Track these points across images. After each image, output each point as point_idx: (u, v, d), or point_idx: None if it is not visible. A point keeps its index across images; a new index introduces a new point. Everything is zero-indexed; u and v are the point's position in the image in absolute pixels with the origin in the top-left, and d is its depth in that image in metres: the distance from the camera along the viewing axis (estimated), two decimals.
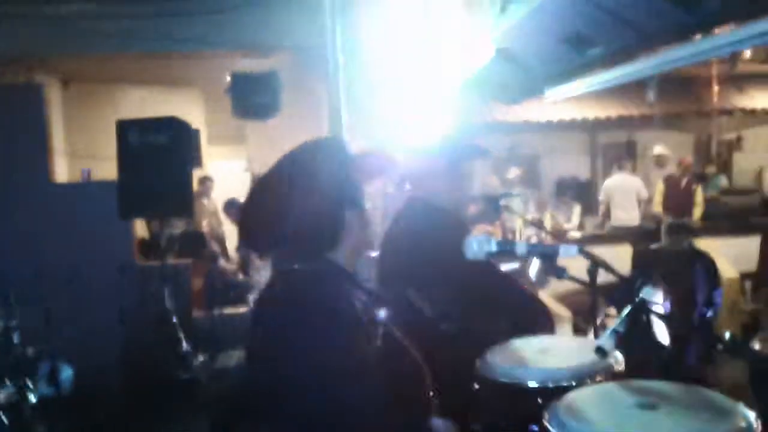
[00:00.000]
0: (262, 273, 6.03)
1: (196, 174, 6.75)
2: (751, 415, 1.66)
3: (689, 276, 5.12)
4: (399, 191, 3.15)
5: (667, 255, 5.55)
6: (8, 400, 4.21)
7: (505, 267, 3.30)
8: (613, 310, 3.45)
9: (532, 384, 2.06)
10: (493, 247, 1.78)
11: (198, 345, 5.70)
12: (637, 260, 5.33)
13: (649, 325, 1.90)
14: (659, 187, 9.50)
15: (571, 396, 1.86)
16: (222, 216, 8.56)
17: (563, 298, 7.18)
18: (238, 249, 7.82)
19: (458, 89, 5.91)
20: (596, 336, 2.35)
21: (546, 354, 2.25)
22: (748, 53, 8.99)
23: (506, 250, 1.80)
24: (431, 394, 1.85)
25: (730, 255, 7.85)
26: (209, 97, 9.01)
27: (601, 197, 9.49)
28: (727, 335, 1.82)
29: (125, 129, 5.38)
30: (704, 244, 8.88)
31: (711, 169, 10.92)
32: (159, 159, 5.21)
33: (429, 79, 6.15)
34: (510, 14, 4.07)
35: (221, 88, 6.32)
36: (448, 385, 1.99)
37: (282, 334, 1.62)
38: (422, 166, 2.82)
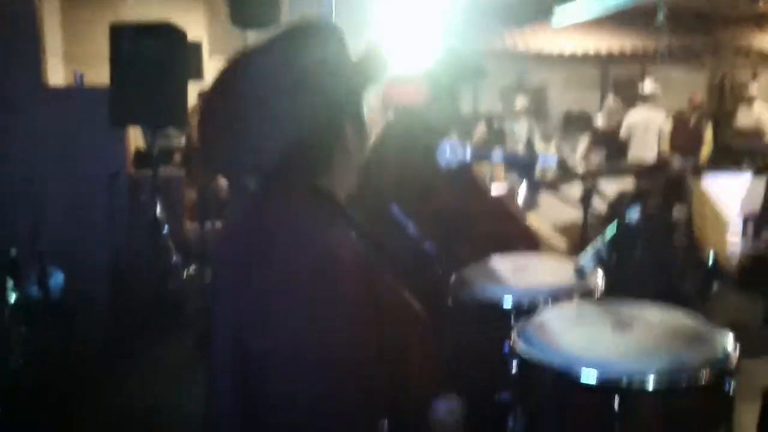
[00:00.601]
0: None
1: (198, 86, 6.58)
2: (730, 342, 1.59)
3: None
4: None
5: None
6: None
7: (495, 191, 3.21)
8: None
9: (507, 302, 1.99)
10: (468, 154, 1.67)
11: (189, 258, 5.67)
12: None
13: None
14: (668, 125, 9.28)
15: (545, 315, 1.79)
16: None
17: (564, 230, 7.13)
18: None
19: (466, 11, 5.70)
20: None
21: (524, 272, 2.18)
22: None
23: (481, 156, 1.70)
24: (432, 364, 1.52)
25: (735, 196, 7.74)
26: (212, 8, 8.77)
27: (623, 133, 8.79)
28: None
29: (119, 33, 5.19)
30: (710, 183, 8.78)
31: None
32: (153, 66, 5.03)
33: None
34: None
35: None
36: (429, 305, 1.92)
37: (248, 289, 1.26)
38: (417, 82, 2.69)
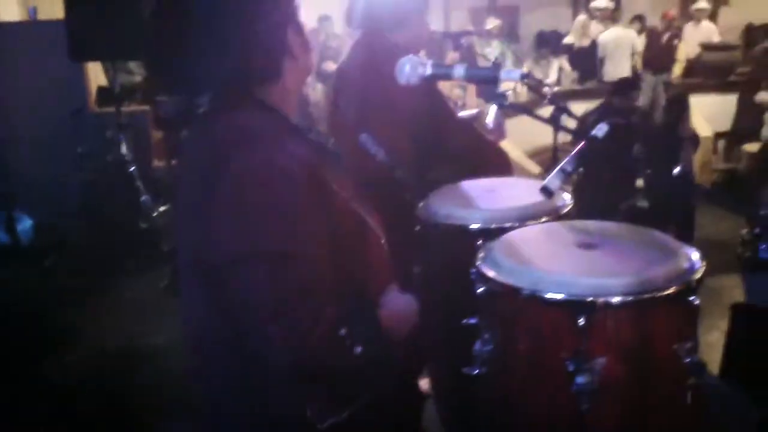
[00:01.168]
0: None
1: None
2: (696, 255, 1.58)
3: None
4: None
5: None
6: None
7: (463, 114, 3.13)
8: None
9: (475, 225, 1.96)
10: (428, 70, 1.60)
11: (159, 195, 5.57)
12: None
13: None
14: (641, 42, 9.20)
15: (510, 235, 1.76)
16: None
17: (537, 154, 7.10)
18: None
19: None
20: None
21: (492, 194, 2.15)
22: None
23: (442, 73, 1.63)
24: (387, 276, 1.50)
25: (707, 113, 7.74)
26: None
27: (600, 53, 9.13)
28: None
29: None
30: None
31: None
32: None
33: None
34: None
35: None
36: (400, 232, 1.88)
37: (196, 209, 1.29)
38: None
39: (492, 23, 8.99)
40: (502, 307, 1.60)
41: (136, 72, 6.58)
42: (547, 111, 1.97)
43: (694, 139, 6.85)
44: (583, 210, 2.09)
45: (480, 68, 1.65)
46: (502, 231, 1.84)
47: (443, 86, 2.57)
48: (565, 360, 1.45)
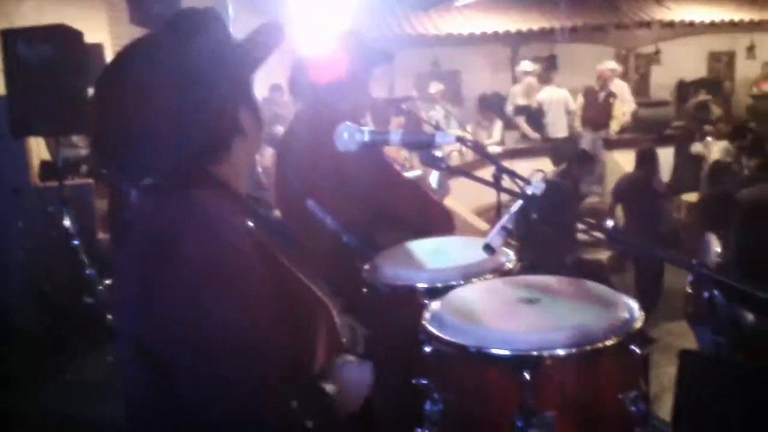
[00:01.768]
0: None
1: None
2: (635, 306, 1.62)
3: None
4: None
5: None
6: None
7: (408, 174, 3.19)
8: None
9: (421, 284, 1.98)
10: (366, 136, 1.64)
11: (104, 268, 5.45)
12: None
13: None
14: (579, 101, 9.55)
15: (454, 293, 1.78)
16: None
17: (483, 213, 7.22)
18: None
19: None
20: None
21: (437, 254, 2.17)
22: None
23: (379, 139, 1.67)
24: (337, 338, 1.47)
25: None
26: (112, 8, 8.42)
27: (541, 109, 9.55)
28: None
29: (11, 39, 4.93)
30: (620, 156, 9.06)
31: None
32: (49, 71, 4.80)
33: None
34: None
35: None
36: (350, 297, 1.88)
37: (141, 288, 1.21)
38: (325, 67, 2.62)
39: (435, 87, 9.23)
40: (450, 365, 1.60)
41: (80, 146, 6.52)
42: (489, 171, 2.03)
43: (668, 194, 7.06)
44: (529, 265, 2.13)
45: (415, 134, 1.68)
46: (449, 289, 1.86)
47: (390, 149, 2.62)
48: (512, 416, 1.45)
